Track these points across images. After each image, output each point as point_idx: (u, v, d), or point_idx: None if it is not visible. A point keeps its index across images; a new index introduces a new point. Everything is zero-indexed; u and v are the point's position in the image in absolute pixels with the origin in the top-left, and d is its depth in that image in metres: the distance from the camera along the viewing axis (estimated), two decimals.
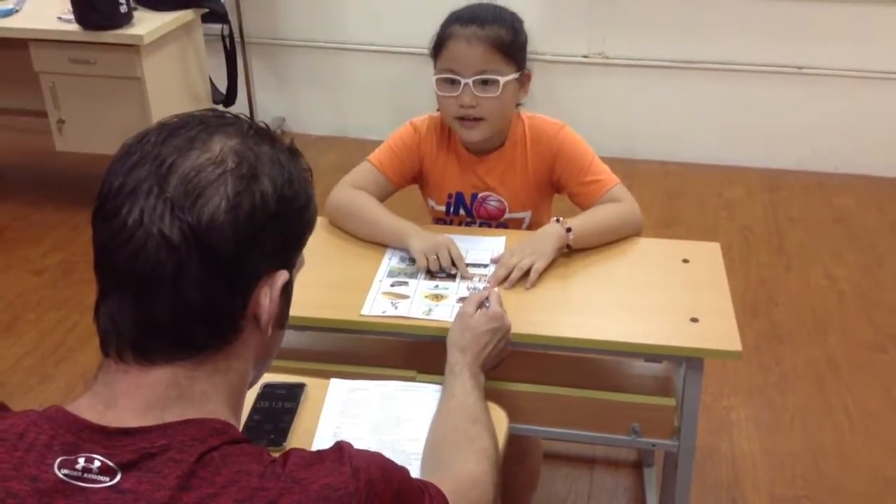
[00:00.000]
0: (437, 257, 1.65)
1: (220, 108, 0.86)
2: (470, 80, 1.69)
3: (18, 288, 3.05)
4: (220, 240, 0.79)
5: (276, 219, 0.84)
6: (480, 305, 1.45)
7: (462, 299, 1.57)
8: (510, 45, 1.71)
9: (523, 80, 1.78)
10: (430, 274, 1.65)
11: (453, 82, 1.71)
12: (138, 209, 0.79)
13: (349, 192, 1.82)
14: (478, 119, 1.73)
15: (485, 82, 1.70)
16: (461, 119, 1.74)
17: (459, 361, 1.33)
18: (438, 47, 1.74)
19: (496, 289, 1.59)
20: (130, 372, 0.82)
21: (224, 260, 0.80)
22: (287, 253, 0.89)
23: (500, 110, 1.75)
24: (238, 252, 0.81)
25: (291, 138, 0.95)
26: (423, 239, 1.69)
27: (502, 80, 1.70)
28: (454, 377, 1.30)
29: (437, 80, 1.74)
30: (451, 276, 1.65)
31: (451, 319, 1.46)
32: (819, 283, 3.05)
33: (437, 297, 1.59)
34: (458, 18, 1.73)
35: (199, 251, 0.79)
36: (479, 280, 1.64)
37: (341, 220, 1.81)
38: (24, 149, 4.10)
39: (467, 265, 1.68)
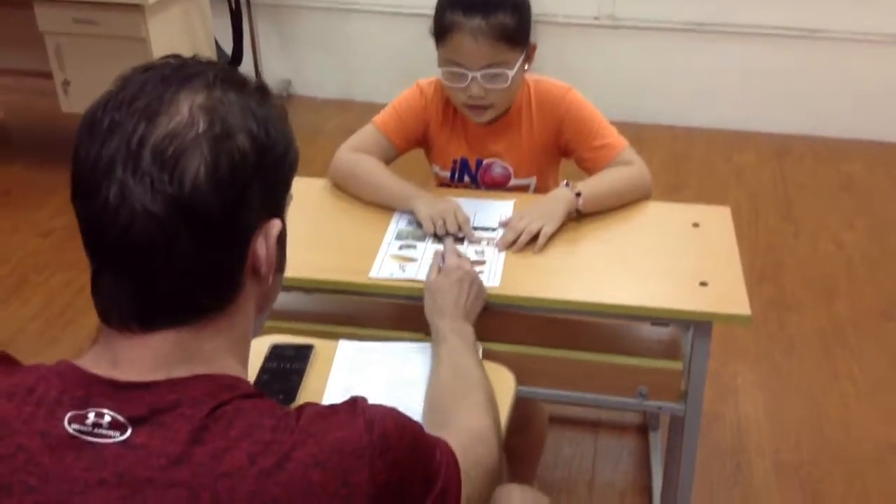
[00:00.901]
0: (444, 222, 1.65)
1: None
2: (478, 74, 1.66)
3: (25, 250, 3.05)
4: (206, 205, 0.78)
5: (259, 171, 0.82)
6: (439, 269, 1.46)
7: (473, 263, 1.56)
8: (516, 30, 1.66)
9: (529, 53, 1.74)
10: (438, 238, 1.65)
11: (460, 75, 1.68)
12: (117, 187, 0.76)
13: (353, 155, 1.80)
14: (487, 106, 1.72)
15: (493, 75, 1.67)
16: (470, 106, 1.73)
17: (440, 327, 1.33)
18: (441, 34, 1.68)
19: (447, 241, 1.59)
20: (134, 337, 0.81)
21: (214, 224, 0.79)
22: (276, 200, 0.88)
23: (510, 94, 1.73)
24: (226, 213, 0.79)
25: (258, 75, 0.92)
26: (429, 203, 1.69)
27: (511, 72, 1.67)
28: (439, 344, 1.30)
29: (443, 71, 1.71)
30: (459, 240, 1.64)
31: None
32: (827, 249, 3.04)
33: (434, 256, 1.58)
34: (459, 3, 1.65)
35: (188, 220, 0.77)
36: (487, 243, 1.64)
37: (345, 183, 1.80)
38: (29, 110, 4.09)
39: (475, 229, 1.67)
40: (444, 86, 1.75)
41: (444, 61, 1.70)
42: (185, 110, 0.79)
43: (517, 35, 1.67)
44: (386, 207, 1.74)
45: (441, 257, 1.50)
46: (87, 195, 0.79)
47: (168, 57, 0.86)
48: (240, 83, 0.85)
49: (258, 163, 0.82)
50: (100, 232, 0.79)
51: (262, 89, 0.87)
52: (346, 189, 1.80)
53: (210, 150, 0.78)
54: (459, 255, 1.52)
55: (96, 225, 0.79)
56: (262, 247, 0.85)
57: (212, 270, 0.81)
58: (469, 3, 1.64)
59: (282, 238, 0.90)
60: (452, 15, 1.65)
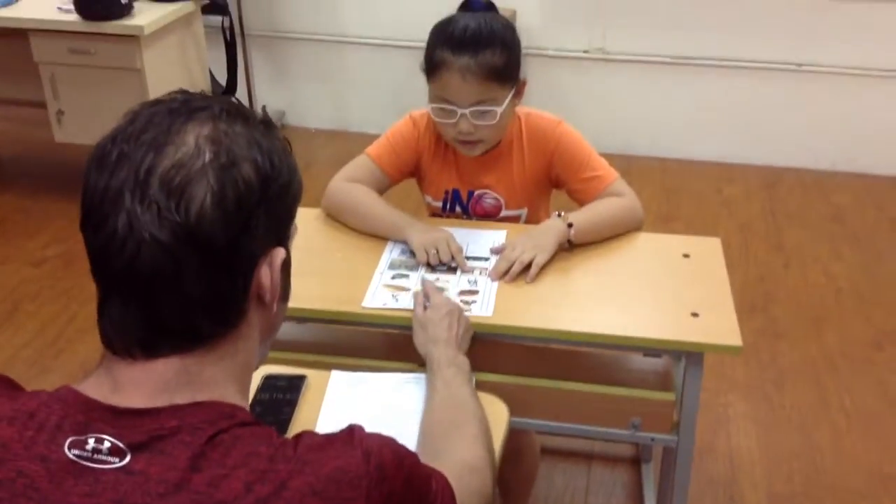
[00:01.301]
0: (437, 251, 1.66)
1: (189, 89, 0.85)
2: (467, 111, 1.67)
3: (17, 279, 3.05)
4: (212, 233, 0.79)
5: (264, 200, 0.84)
6: (425, 307, 1.48)
7: (463, 292, 1.57)
8: (504, 68, 1.67)
9: (519, 89, 1.75)
10: (431, 267, 1.65)
11: (449, 111, 1.69)
12: (125, 216, 0.78)
13: (346, 186, 1.81)
14: (476, 141, 1.74)
15: (482, 112, 1.68)
16: (460, 141, 1.75)
17: (436, 356, 1.33)
18: (431, 71, 1.70)
19: (427, 278, 1.60)
20: (137, 364, 0.82)
21: (220, 252, 0.80)
22: (280, 229, 0.89)
23: (499, 130, 1.75)
24: (232, 241, 0.81)
25: (263, 108, 0.94)
26: (422, 233, 1.70)
27: (499, 109, 1.68)
28: (434, 374, 1.30)
29: (433, 107, 1.72)
30: (452, 270, 1.65)
31: None
32: (817, 280, 3.06)
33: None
34: (448, 41, 1.66)
35: (194, 248, 0.79)
36: (480, 273, 1.64)
37: (339, 213, 1.81)
38: (23, 140, 4.10)
39: (467, 258, 1.68)
40: (434, 120, 1.76)
41: (433, 98, 1.72)
42: (192, 141, 0.81)
43: (506, 73, 1.68)
44: (379, 237, 1.75)
45: (424, 295, 1.51)
46: (95, 225, 0.81)
47: (175, 92, 0.88)
48: (245, 116, 0.87)
49: (263, 192, 0.83)
50: (108, 260, 0.80)
51: (266, 123, 0.90)
52: (340, 219, 1.81)
53: (216, 179, 0.80)
54: (441, 291, 1.54)
55: (104, 253, 0.80)
56: (266, 275, 0.86)
57: (216, 297, 0.82)
58: (458, 42, 1.65)
59: (286, 267, 0.91)
60: (442, 53, 1.66)
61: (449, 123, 1.71)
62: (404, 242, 1.71)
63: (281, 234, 0.90)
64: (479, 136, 1.72)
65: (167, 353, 0.82)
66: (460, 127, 1.70)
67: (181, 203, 0.78)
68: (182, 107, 0.84)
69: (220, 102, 0.87)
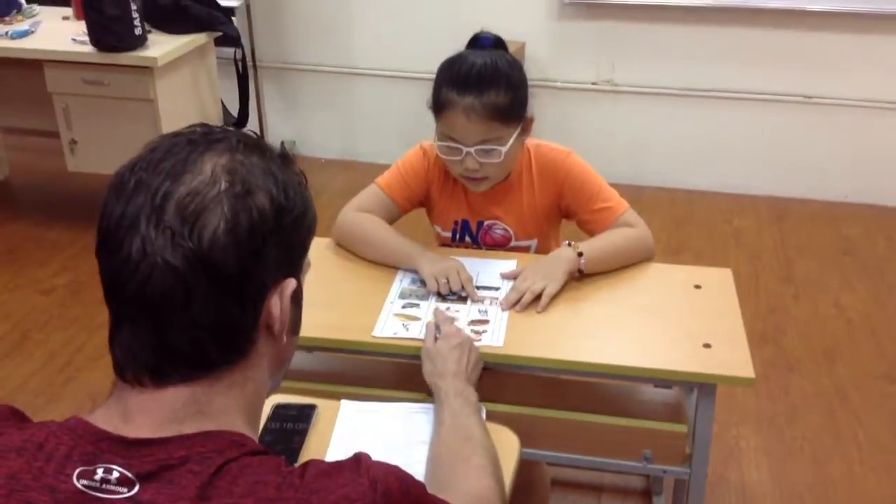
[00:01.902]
0: (448, 280, 1.66)
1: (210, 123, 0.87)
2: (472, 149, 1.69)
3: (27, 307, 3.05)
4: (224, 261, 0.80)
5: (277, 231, 0.84)
6: (436, 338, 1.47)
7: (474, 322, 1.57)
8: (509, 108, 1.68)
9: (525, 127, 1.75)
10: (441, 296, 1.65)
11: (455, 149, 1.71)
12: (139, 240, 0.79)
13: (357, 215, 1.82)
14: (482, 177, 1.74)
15: (487, 150, 1.69)
16: (466, 177, 1.76)
17: (444, 388, 1.33)
18: (437, 109, 1.72)
19: (440, 308, 1.60)
20: (146, 392, 0.82)
21: (231, 279, 0.81)
22: (292, 261, 0.90)
23: (506, 166, 1.76)
24: (243, 270, 0.82)
25: (282, 143, 0.95)
26: (432, 262, 1.70)
27: (504, 148, 1.69)
28: (442, 405, 1.30)
29: (439, 144, 1.74)
30: (463, 299, 1.65)
31: None
32: (828, 312, 3.04)
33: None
34: (454, 81, 1.67)
35: (206, 274, 0.79)
36: (490, 303, 1.64)
37: (350, 242, 1.82)
38: (35, 169, 4.13)
39: (478, 288, 1.68)
40: (441, 158, 1.77)
41: (440, 135, 1.73)
42: (209, 170, 0.82)
43: (510, 112, 1.68)
44: (390, 266, 1.75)
45: (436, 326, 1.51)
46: (110, 250, 0.82)
47: (195, 125, 0.90)
48: (262, 149, 0.88)
49: (276, 222, 0.84)
50: (120, 285, 0.81)
51: (283, 156, 0.91)
52: (351, 248, 1.81)
53: (230, 208, 0.81)
54: (453, 322, 1.53)
55: (117, 278, 0.81)
56: (276, 305, 0.86)
57: (225, 324, 0.83)
58: (463, 81, 1.66)
59: (297, 299, 0.92)
60: (448, 92, 1.68)
61: (455, 160, 1.72)
62: (415, 271, 1.71)
63: (293, 265, 0.90)
64: (485, 173, 1.73)
65: (176, 382, 0.82)
66: (466, 164, 1.71)
67: (194, 229, 0.79)
68: (201, 138, 0.86)
69: (239, 135, 0.88)
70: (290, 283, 0.88)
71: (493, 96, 1.66)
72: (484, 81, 1.66)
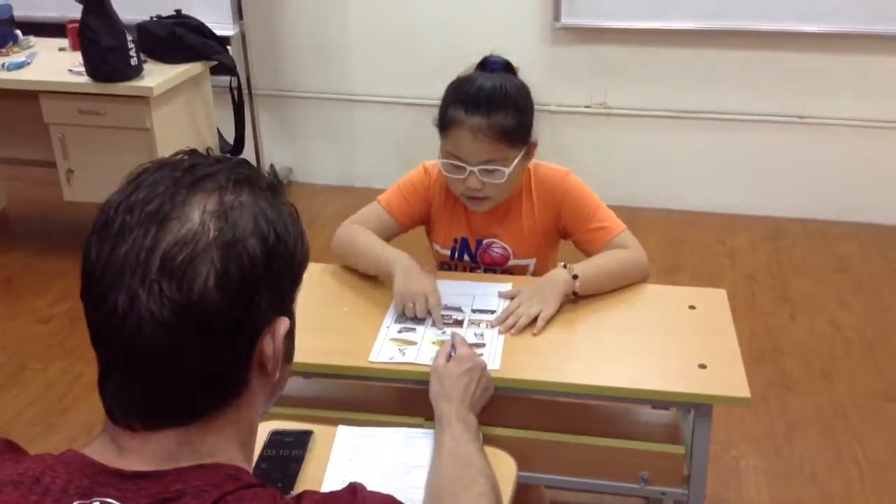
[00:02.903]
0: (414, 305, 1.65)
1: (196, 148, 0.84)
2: (476, 169, 1.70)
3: (24, 337, 3.05)
4: (214, 313, 0.78)
5: (268, 274, 0.82)
6: (449, 357, 1.46)
7: (472, 346, 1.57)
8: (515, 130, 1.70)
9: (529, 150, 1.77)
10: (406, 317, 1.65)
11: (458, 167, 1.72)
12: (126, 294, 0.77)
13: (352, 227, 1.85)
14: (484, 198, 1.76)
15: (490, 170, 1.71)
16: (468, 197, 1.77)
17: (446, 411, 1.32)
18: (443, 127, 1.73)
19: (458, 332, 1.59)
20: (138, 436, 0.82)
21: (222, 330, 0.79)
22: (284, 299, 0.88)
23: (507, 189, 1.77)
24: (234, 318, 0.80)
25: (271, 169, 0.92)
26: (406, 279, 1.69)
27: (507, 169, 1.70)
28: (442, 429, 1.29)
29: (443, 163, 1.75)
30: (458, 322, 1.65)
31: None
32: (824, 331, 3.04)
33: (444, 344, 1.59)
34: (462, 100, 1.69)
35: (196, 327, 0.78)
36: (487, 326, 1.65)
37: (344, 255, 1.84)
38: (32, 199, 4.14)
39: (474, 311, 1.68)
40: (444, 176, 1.78)
41: (444, 153, 1.75)
42: (196, 216, 0.79)
43: (516, 135, 1.70)
44: (384, 288, 1.75)
45: (451, 346, 1.50)
46: (95, 300, 0.80)
47: (181, 153, 0.87)
48: (251, 182, 0.85)
49: (267, 267, 0.82)
50: (108, 336, 0.80)
51: (273, 188, 0.88)
52: (344, 260, 1.84)
53: (220, 258, 0.78)
54: (470, 346, 1.52)
55: (105, 330, 0.80)
56: (269, 345, 0.85)
57: (218, 374, 0.82)
58: (472, 101, 1.68)
59: (290, 333, 0.90)
60: (455, 111, 1.70)
61: (458, 179, 1.73)
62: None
63: (285, 303, 0.88)
64: (487, 193, 1.74)
65: (167, 427, 0.81)
66: (468, 183, 1.72)
67: (183, 283, 0.77)
68: (187, 175, 0.82)
69: (227, 169, 0.84)
70: (283, 323, 0.86)
71: (500, 118, 1.68)
72: (492, 103, 1.68)
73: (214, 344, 0.80)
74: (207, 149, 0.90)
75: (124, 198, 0.81)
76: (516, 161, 1.71)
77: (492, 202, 1.78)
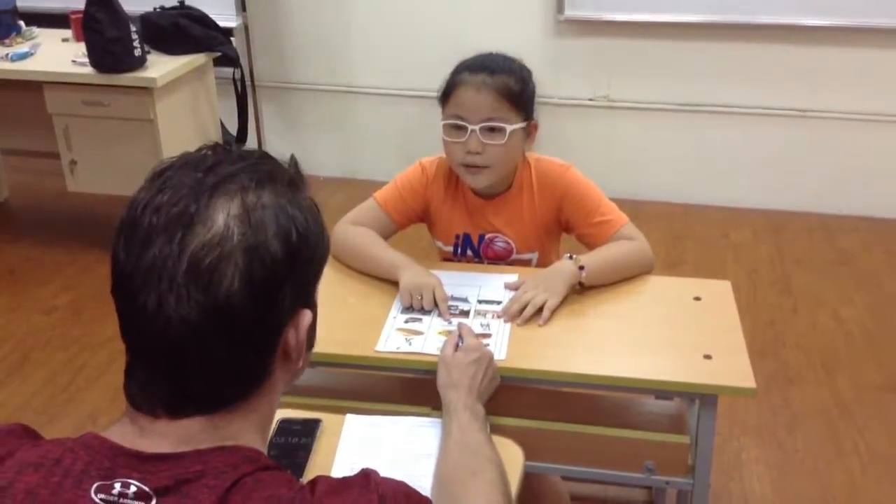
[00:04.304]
0: (421, 297, 1.66)
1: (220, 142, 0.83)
2: (477, 127, 1.71)
3: (28, 327, 3.05)
4: (239, 313, 0.80)
5: (291, 272, 0.84)
6: (456, 346, 1.47)
7: (478, 336, 1.57)
8: (518, 94, 1.74)
9: (530, 130, 1.79)
10: (413, 309, 1.66)
11: (460, 128, 1.73)
12: (155, 296, 0.79)
13: (349, 228, 1.85)
14: (483, 166, 1.76)
15: (492, 129, 1.72)
16: (467, 165, 1.77)
17: (454, 400, 1.33)
18: (447, 94, 1.76)
19: (465, 322, 1.60)
20: (160, 421, 0.84)
21: (247, 328, 0.82)
22: (307, 293, 0.90)
23: (506, 158, 1.77)
24: (259, 318, 0.82)
25: (292, 160, 0.93)
26: (412, 276, 1.71)
27: (509, 128, 1.72)
28: (450, 418, 1.30)
29: (445, 125, 1.76)
30: (465, 313, 1.66)
31: None
32: (826, 324, 3.05)
33: (452, 334, 1.59)
34: (467, 67, 1.76)
35: (222, 326, 0.80)
36: (493, 317, 1.65)
37: (342, 256, 1.84)
38: (35, 190, 4.14)
39: (480, 302, 1.69)
40: (444, 143, 1.78)
41: (446, 116, 1.76)
42: (221, 220, 0.81)
43: (519, 98, 1.74)
44: (384, 279, 1.76)
45: (459, 335, 1.51)
46: (125, 298, 0.82)
47: (205, 148, 0.88)
48: (273, 180, 0.86)
49: (290, 266, 0.84)
50: (136, 331, 0.82)
51: (293, 183, 0.89)
52: (344, 260, 1.83)
53: (244, 261, 0.80)
54: (477, 336, 1.53)
55: (133, 324, 0.82)
56: (293, 337, 0.87)
57: (243, 367, 0.84)
58: (477, 64, 1.75)
59: (312, 323, 0.92)
60: (460, 75, 1.75)
61: (458, 142, 1.74)
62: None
63: (308, 295, 0.90)
64: (487, 159, 1.74)
65: (192, 415, 0.83)
66: (469, 145, 1.72)
67: (210, 286, 0.79)
68: (209, 175, 0.83)
69: (249, 168, 0.86)
70: (306, 316, 0.88)
71: (504, 78, 1.73)
72: (498, 66, 1.74)
73: (240, 341, 0.82)
74: (227, 143, 0.90)
75: (150, 198, 0.83)
76: (517, 126, 1.73)
77: (491, 173, 1.77)
